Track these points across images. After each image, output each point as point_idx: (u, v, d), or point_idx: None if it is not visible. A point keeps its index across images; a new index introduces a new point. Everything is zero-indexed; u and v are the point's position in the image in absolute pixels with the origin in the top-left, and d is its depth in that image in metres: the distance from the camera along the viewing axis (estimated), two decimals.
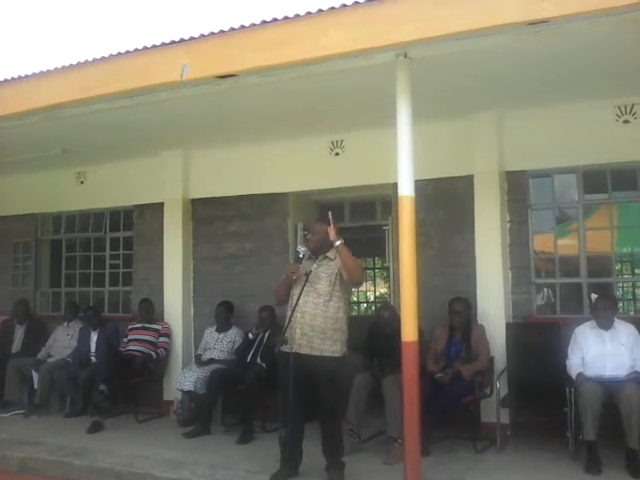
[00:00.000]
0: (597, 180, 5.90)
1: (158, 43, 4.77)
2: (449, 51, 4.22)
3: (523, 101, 5.67)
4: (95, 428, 6.07)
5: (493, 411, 5.32)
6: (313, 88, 5.17)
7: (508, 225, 6.01)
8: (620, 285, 8.55)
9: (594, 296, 5.35)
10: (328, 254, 4.59)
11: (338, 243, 4.42)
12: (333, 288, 4.49)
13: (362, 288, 13.58)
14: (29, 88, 5.32)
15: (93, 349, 7.11)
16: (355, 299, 13.34)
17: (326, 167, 6.77)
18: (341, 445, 4.59)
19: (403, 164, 4.33)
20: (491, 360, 5.58)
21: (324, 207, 7.51)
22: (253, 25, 4.40)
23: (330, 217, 4.43)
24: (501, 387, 5.39)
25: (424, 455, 4.51)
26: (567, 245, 6.24)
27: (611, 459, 4.59)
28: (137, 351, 6.81)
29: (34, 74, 5.28)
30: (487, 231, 5.92)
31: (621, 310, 6.77)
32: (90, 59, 5.03)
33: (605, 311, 5.02)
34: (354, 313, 12.80)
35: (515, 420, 5.55)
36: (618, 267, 7.81)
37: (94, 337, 7.17)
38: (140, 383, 6.60)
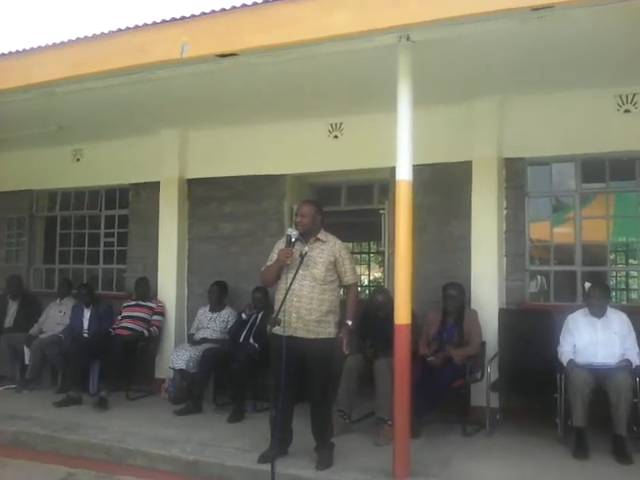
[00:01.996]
0: (595, 169, 5.91)
1: (158, 20, 4.73)
2: (452, 35, 4.21)
3: (524, 88, 5.65)
4: (101, 404, 6.06)
5: (483, 395, 5.35)
6: (314, 69, 5.13)
7: (505, 212, 6.02)
8: (614, 274, 8.61)
9: (587, 284, 5.39)
10: (319, 236, 4.59)
11: (350, 325, 4.59)
12: (328, 273, 4.51)
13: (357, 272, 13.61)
14: (25, 64, 5.28)
15: (86, 326, 7.10)
16: None
17: (324, 150, 6.74)
18: (331, 426, 4.63)
19: (402, 148, 4.33)
20: (483, 345, 5.61)
21: (321, 190, 7.52)
22: (255, 4, 4.37)
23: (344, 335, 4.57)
24: (492, 372, 5.42)
25: (414, 437, 4.57)
26: (563, 233, 6.26)
27: (598, 445, 4.64)
28: (129, 328, 6.81)
29: (30, 50, 5.23)
30: (483, 217, 5.93)
31: (614, 299, 6.80)
32: (88, 35, 4.99)
33: (598, 299, 5.05)
34: None
35: (505, 405, 5.59)
36: (613, 256, 7.85)
37: (87, 314, 7.17)
38: (132, 361, 6.60)
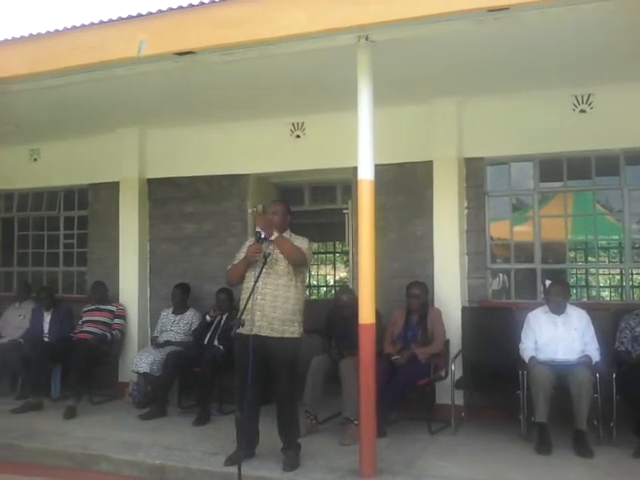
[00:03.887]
0: (553, 168, 6.01)
1: (115, 18, 4.65)
2: (411, 35, 4.25)
3: (483, 88, 5.72)
4: (70, 413, 5.92)
5: (448, 393, 5.40)
6: (273, 68, 5.10)
7: (466, 211, 6.09)
8: (573, 272, 8.77)
9: (548, 282, 5.47)
10: (284, 234, 4.59)
11: (273, 237, 4.43)
12: (290, 269, 4.49)
13: (322, 272, 13.62)
14: None
15: (46, 330, 6.98)
16: (315, 283, 13.37)
17: (286, 149, 6.72)
18: (297, 426, 4.62)
19: (363, 148, 4.34)
20: (446, 343, 5.67)
21: (284, 190, 7.50)
22: (212, 2, 4.35)
23: (260, 209, 4.42)
24: (456, 370, 5.47)
25: (380, 436, 4.59)
26: (522, 232, 6.36)
27: (560, 440, 4.72)
28: (91, 333, 6.69)
29: None
30: (445, 217, 5.98)
31: (574, 296, 6.93)
32: (43, 32, 4.87)
33: (557, 297, 5.14)
34: (314, 297, 12.84)
35: (469, 402, 5.65)
36: (572, 254, 8.00)
37: (47, 318, 7.05)
38: (95, 365, 6.49)
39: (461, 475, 4.29)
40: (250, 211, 4.68)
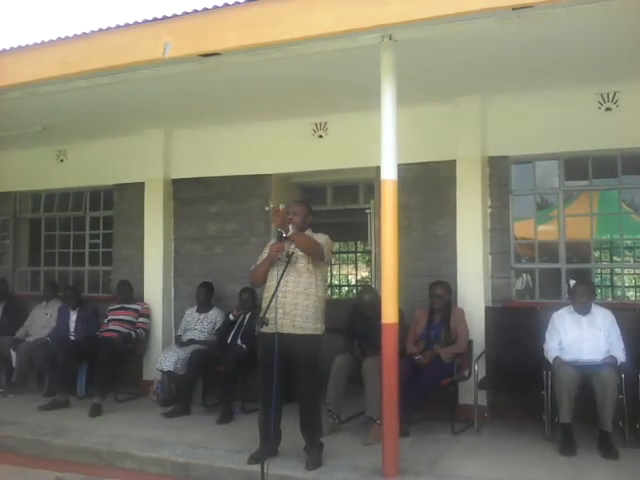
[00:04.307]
0: (578, 167, 5.95)
1: (140, 20, 4.71)
2: (435, 34, 4.24)
3: (507, 87, 5.68)
4: (96, 411, 5.98)
5: (471, 393, 5.38)
6: (297, 69, 5.13)
7: (489, 210, 6.05)
8: (598, 271, 8.68)
9: (572, 282, 5.42)
10: (306, 233, 4.61)
11: (290, 234, 4.42)
12: (310, 266, 4.50)
13: (343, 271, 13.63)
14: (8, 64, 5.23)
15: (72, 329, 7.07)
16: (336, 282, 13.38)
17: (309, 149, 6.74)
18: (320, 426, 4.63)
19: (386, 147, 4.34)
20: (470, 343, 5.64)
21: (307, 190, 7.52)
22: (237, 3, 4.37)
23: (282, 208, 4.42)
24: (479, 370, 5.44)
25: (402, 436, 4.58)
26: (547, 231, 6.31)
27: (585, 441, 4.68)
28: (116, 331, 6.77)
29: (13, 49, 5.18)
30: (468, 216, 5.95)
31: (599, 296, 6.86)
32: (71, 35, 4.95)
33: (582, 297, 5.08)
34: (335, 296, 12.85)
35: (492, 402, 5.62)
36: (597, 254, 7.92)
37: (73, 316, 7.14)
38: (120, 363, 6.57)
39: (484, 475, 4.27)
40: (267, 208, 4.71)
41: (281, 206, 4.50)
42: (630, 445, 4.73)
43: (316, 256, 4.51)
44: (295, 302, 4.44)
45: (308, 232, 4.65)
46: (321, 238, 4.58)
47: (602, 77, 5.41)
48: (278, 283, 4.33)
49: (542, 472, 4.30)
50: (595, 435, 4.68)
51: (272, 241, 4.76)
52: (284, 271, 4.36)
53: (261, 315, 4.31)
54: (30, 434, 5.31)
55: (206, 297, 6.80)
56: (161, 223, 7.32)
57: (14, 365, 6.93)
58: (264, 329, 4.27)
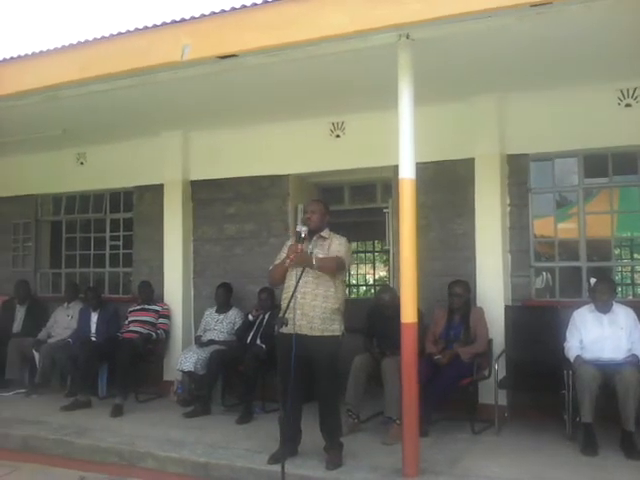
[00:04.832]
0: (598, 164, 5.89)
1: (159, 23, 4.75)
2: (452, 32, 4.22)
3: (525, 84, 5.64)
4: (117, 411, 6.03)
5: (491, 393, 5.35)
6: (314, 69, 5.14)
7: (508, 209, 6.01)
8: (619, 269, 8.59)
9: (593, 280, 5.38)
10: (322, 233, 4.62)
11: (314, 263, 4.40)
12: None
13: (361, 271, 13.63)
14: (29, 68, 5.31)
15: (93, 330, 7.13)
16: (354, 282, 13.37)
17: (326, 149, 6.74)
18: (339, 425, 4.63)
19: (404, 146, 4.33)
20: (490, 342, 5.61)
21: (324, 189, 7.54)
22: (254, 5, 4.39)
23: (300, 247, 4.41)
24: (499, 369, 5.40)
25: (422, 436, 4.57)
26: (567, 229, 6.26)
27: (607, 441, 4.64)
28: (136, 332, 6.83)
29: (34, 54, 5.25)
30: (487, 214, 5.92)
31: (620, 294, 6.79)
32: (90, 39, 5.01)
33: (603, 295, 5.03)
34: (353, 295, 12.85)
35: (513, 402, 5.59)
36: (617, 251, 7.83)
37: (94, 318, 7.20)
38: (139, 364, 6.61)
39: (504, 475, 4.25)
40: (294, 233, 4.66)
41: (300, 244, 4.46)
42: None
43: (340, 270, 4.58)
44: (314, 304, 4.45)
45: (326, 232, 4.64)
46: (340, 247, 4.57)
47: (621, 73, 5.36)
48: (297, 284, 4.34)
49: (564, 472, 4.27)
50: (617, 435, 4.64)
51: (290, 241, 4.76)
52: (302, 272, 4.37)
53: (280, 315, 4.34)
54: (53, 434, 5.38)
55: (225, 298, 6.83)
56: (180, 224, 7.36)
57: (37, 366, 7.02)
58: (283, 329, 4.29)
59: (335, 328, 4.51)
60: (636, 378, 4.56)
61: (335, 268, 4.51)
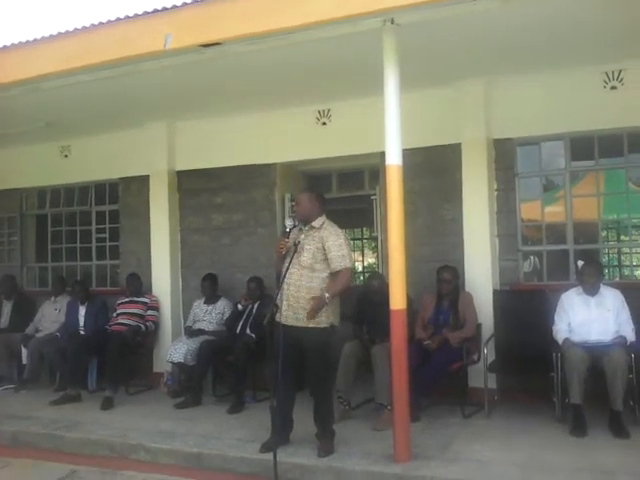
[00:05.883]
0: (584, 147, 5.91)
1: (140, 12, 4.69)
2: (436, 17, 4.21)
3: (510, 68, 5.64)
4: (108, 404, 6.02)
5: (481, 377, 5.38)
6: (298, 57, 5.10)
7: (495, 193, 6.03)
8: (606, 251, 8.64)
9: (580, 263, 5.41)
10: (314, 224, 4.59)
11: (327, 298, 4.38)
12: (315, 261, 4.48)
13: None
14: (10, 60, 5.24)
15: (82, 323, 7.10)
16: None
17: (313, 137, 6.71)
18: (332, 414, 4.65)
19: (391, 132, 4.32)
20: (478, 327, 5.64)
21: (312, 177, 7.51)
22: None
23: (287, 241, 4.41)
24: (488, 353, 5.44)
25: (413, 421, 4.59)
26: (554, 212, 6.28)
27: (595, 421, 4.69)
28: (125, 324, 6.80)
29: (14, 46, 5.18)
30: (475, 199, 5.94)
31: (607, 276, 6.83)
32: (71, 29, 4.94)
33: (591, 277, 5.07)
34: None
35: (502, 385, 5.62)
36: (604, 234, 7.88)
37: (82, 311, 7.17)
38: (129, 356, 6.59)
39: (495, 458, 4.28)
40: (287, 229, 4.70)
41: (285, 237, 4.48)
42: None
43: (348, 278, 4.58)
44: (297, 295, 4.45)
45: (320, 220, 4.59)
46: (339, 247, 4.48)
47: (607, 55, 5.36)
48: (284, 275, 4.34)
49: (554, 453, 4.31)
50: (605, 415, 4.69)
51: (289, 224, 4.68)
52: (290, 263, 4.36)
53: (271, 304, 4.34)
54: (44, 428, 5.35)
55: (211, 290, 6.81)
56: (167, 215, 7.32)
57: (24, 361, 6.98)
58: (277, 318, 4.28)
59: (321, 320, 4.44)
60: (624, 359, 4.61)
61: (345, 283, 4.49)
